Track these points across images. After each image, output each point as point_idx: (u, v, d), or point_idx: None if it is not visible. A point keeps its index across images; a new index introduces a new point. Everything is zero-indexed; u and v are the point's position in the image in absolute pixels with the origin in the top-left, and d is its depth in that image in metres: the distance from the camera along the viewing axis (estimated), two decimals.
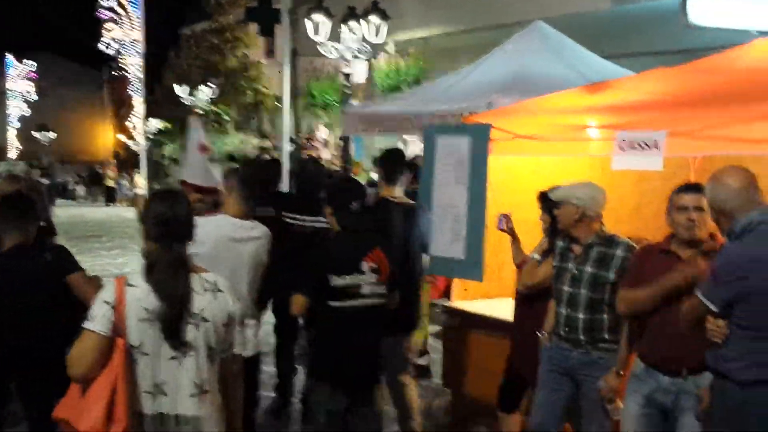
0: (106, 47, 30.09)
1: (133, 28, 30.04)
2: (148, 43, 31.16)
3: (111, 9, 29.27)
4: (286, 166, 12.38)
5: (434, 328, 6.58)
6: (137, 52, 30.37)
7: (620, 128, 4.17)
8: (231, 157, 21.83)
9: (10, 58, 40.34)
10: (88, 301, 2.91)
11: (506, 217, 4.62)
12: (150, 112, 32.75)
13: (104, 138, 47.65)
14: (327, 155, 18.99)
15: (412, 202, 4.84)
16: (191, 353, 2.68)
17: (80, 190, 34.64)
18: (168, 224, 2.72)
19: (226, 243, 3.77)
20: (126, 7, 29.75)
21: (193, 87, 28.49)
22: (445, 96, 7.12)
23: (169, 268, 2.67)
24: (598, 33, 10.77)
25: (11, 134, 39.22)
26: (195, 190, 4.80)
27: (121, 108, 36.33)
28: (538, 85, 5.96)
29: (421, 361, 6.45)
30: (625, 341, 3.65)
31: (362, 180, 13.27)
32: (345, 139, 15.00)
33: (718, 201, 3.07)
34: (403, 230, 4.53)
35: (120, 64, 30.91)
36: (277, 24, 15.69)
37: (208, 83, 27.89)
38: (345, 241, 3.80)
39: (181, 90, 28.67)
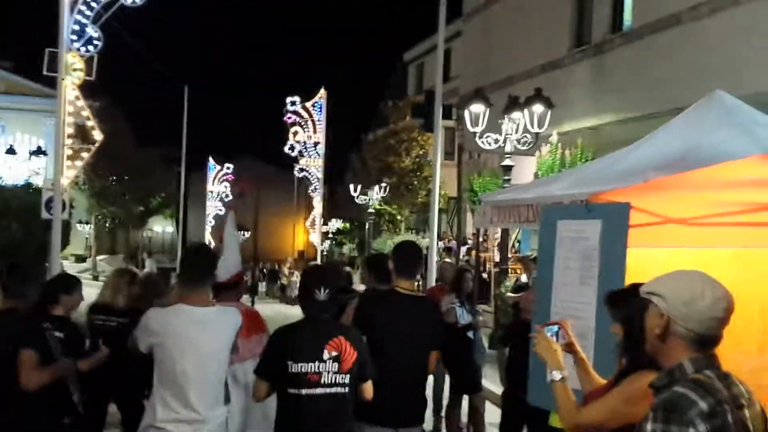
0: (291, 150, 31.29)
1: (315, 131, 31.10)
2: (331, 145, 32.11)
3: (296, 113, 30.52)
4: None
5: None
6: (318, 153, 31.31)
7: None
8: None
9: (211, 161, 43.14)
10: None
11: (560, 328, 3.18)
12: (331, 212, 33.41)
13: (293, 236, 49.41)
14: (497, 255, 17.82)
15: (421, 294, 4.89)
16: None
17: (261, 286, 35.58)
18: None
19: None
20: (310, 111, 30.90)
21: (369, 187, 28.65)
22: (593, 178, 5.73)
23: None
24: None
25: (207, 233, 41.35)
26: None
27: (307, 208, 37.46)
28: (711, 162, 4.43)
29: None
30: None
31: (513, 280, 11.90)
32: (504, 235, 13.77)
33: None
34: (407, 321, 4.47)
35: (303, 166, 32.01)
36: (447, 120, 15.00)
37: (381, 183, 27.89)
38: (307, 329, 3.80)
39: (354, 190, 29.09)
